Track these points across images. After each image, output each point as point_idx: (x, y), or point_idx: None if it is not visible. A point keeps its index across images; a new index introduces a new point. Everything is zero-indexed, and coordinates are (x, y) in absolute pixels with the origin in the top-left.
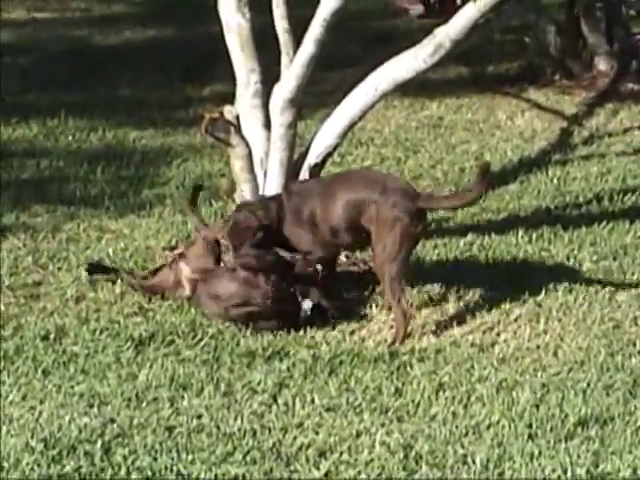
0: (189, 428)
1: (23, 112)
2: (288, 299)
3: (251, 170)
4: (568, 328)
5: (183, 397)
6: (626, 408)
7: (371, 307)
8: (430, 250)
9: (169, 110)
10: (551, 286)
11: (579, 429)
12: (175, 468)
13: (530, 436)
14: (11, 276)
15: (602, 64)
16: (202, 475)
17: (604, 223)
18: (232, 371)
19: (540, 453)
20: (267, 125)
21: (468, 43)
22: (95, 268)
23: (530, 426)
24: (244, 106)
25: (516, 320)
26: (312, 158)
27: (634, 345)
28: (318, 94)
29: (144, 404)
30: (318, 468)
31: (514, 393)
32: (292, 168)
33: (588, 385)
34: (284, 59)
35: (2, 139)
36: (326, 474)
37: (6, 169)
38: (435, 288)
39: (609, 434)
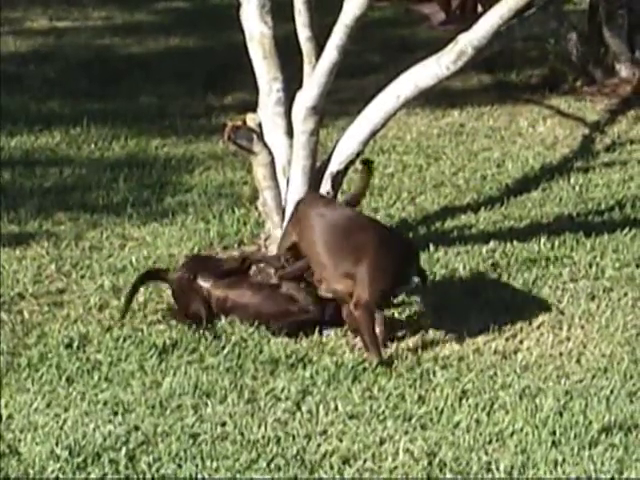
0: (213, 435)
1: (46, 120)
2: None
3: (273, 178)
4: (591, 335)
5: (207, 404)
6: None
7: (393, 314)
8: (452, 257)
9: (191, 118)
10: (574, 293)
11: (603, 436)
12: (199, 475)
13: (554, 443)
14: (34, 284)
15: (624, 71)
16: None
17: (626, 230)
18: (256, 378)
19: (564, 460)
20: (289, 133)
21: (490, 50)
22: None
23: (554, 433)
24: (266, 114)
25: (539, 327)
26: (334, 166)
27: None
28: (340, 102)
29: (168, 411)
30: (342, 475)
31: (537, 400)
32: (314, 176)
33: (611, 392)
34: (306, 67)
35: (25, 147)
36: None
37: (29, 177)
38: (457, 295)
39: (633, 441)
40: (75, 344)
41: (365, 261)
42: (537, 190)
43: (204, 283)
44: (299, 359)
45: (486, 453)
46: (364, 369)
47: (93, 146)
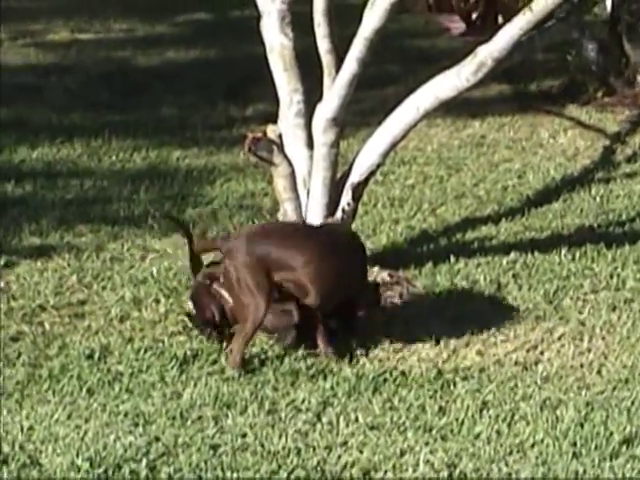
0: (233, 447)
1: (67, 132)
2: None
3: (294, 189)
4: (612, 346)
5: (227, 416)
6: None
7: (415, 326)
8: (473, 268)
9: (212, 130)
10: (595, 304)
11: (624, 447)
12: None
13: (575, 455)
14: (56, 295)
15: None
16: None
17: None
18: (276, 389)
19: (585, 472)
20: (310, 144)
21: (510, 61)
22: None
23: (574, 444)
24: (287, 125)
25: (560, 338)
26: (355, 177)
27: None
28: (361, 113)
29: (189, 423)
30: None
31: (558, 411)
32: (335, 187)
33: (632, 403)
34: (326, 78)
35: (47, 159)
36: None
37: (51, 189)
38: (479, 306)
39: None
40: (96, 355)
41: None
42: (558, 201)
43: (220, 289)
44: (319, 370)
45: (507, 464)
46: (385, 380)
47: (114, 158)
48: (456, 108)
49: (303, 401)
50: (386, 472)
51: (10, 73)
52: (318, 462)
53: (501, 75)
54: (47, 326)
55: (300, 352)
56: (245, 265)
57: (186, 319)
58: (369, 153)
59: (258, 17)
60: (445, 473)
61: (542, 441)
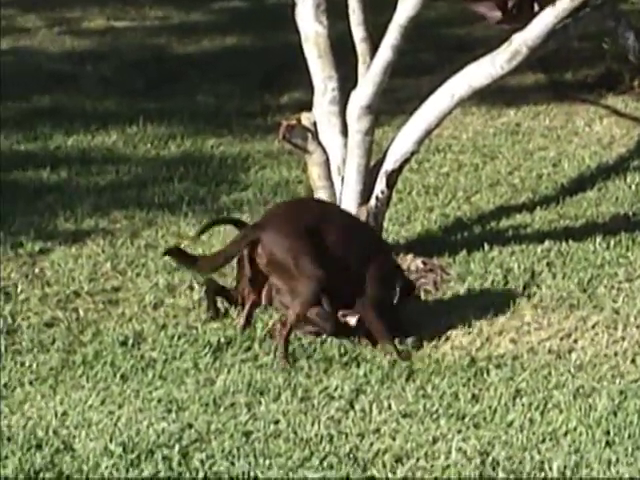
0: (266, 433)
1: (102, 119)
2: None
3: (328, 177)
4: None
5: (260, 402)
6: None
7: (449, 313)
8: (507, 256)
9: (247, 117)
10: (629, 293)
11: None
12: (252, 473)
13: (608, 443)
14: (90, 282)
15: None
16: None
17: None
18: (309, 377)
19: (618, 460)
20: (344, 132)
21: (545, 49)
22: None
23: (608, 433)
24: (321, 113)
25: (593, 327)
26: (389, 165)
27: None
28: (395, 101)
29: (222, 409)
30: (395, 474)
31: (591, 400)
32: (369, 175)
33: None
34: (361, 66)
35: (82, 146)
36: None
37: (86, 176)
38: (513, 294)
39: None
40: (130, 342)
41: None
42: (593, 189)
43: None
44: (353, 358)
45: (539, 452)
46: (418, 368)
47: (149, 145)
48: (491, 96)
49: (336, 388)
50: (418, 459)
51: (46, 61)
52: (350, 449)
53: (537, 64)
54: (81, 312)
55: (333, 340)
56: (297, 242)
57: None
58: (403, 141)
59: (293, 5)
60: (477, 461)
61: (575, 429)
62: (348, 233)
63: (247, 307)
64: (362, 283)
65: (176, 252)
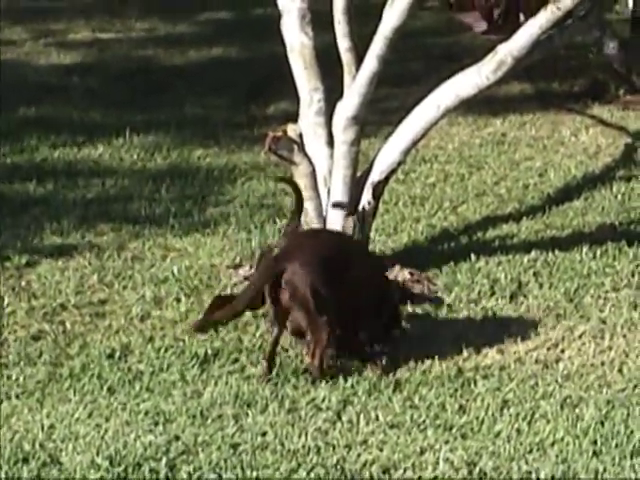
0: (254, 445)
1: (89, 131)
2: None
3: (314, 188)
4: (633, 344)
5: (248, 414)
6: None
7: (436, 324)
8: (494, 266)
9: (233, 129)
10: (616, 302)
11: None
12: None
13: (595, 453)
14: (77, 294)
15: None
16: None
17: None
18: (296, 388)
19: (605, 470)
20: (330, 143)
21: (531, 59)
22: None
23: (595, 443)
24: (307, 124)
25: (580, 337)
26: (376, 175)
27: None
28: (382, 111)
29: (209, 421)
30: None
31: (579, 410)
32: (355, 186)
33: None
34: (346, 77)
35: (68, 158)
36: None
37: (72, 188)
38: (499, 304)
39: None
40: (117, 354)
41: None
42: (579, 199)
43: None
44: (340, 369)
45: (527, 463)
46: (405, 379)
47: (135, 157)
48: (477, 106)
49: (323, 400)
50: (406, 470)
51: (32, 73)
52: (338, 460)
53: (523, 74)
54: (68, 325)
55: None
56: (319, 277)
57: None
58: (390, 151)
59: (279, 16)
60: (465, 471)
61: (562, 439)
62: (362, 269)
63: (270, 343)
64: (368, 317)
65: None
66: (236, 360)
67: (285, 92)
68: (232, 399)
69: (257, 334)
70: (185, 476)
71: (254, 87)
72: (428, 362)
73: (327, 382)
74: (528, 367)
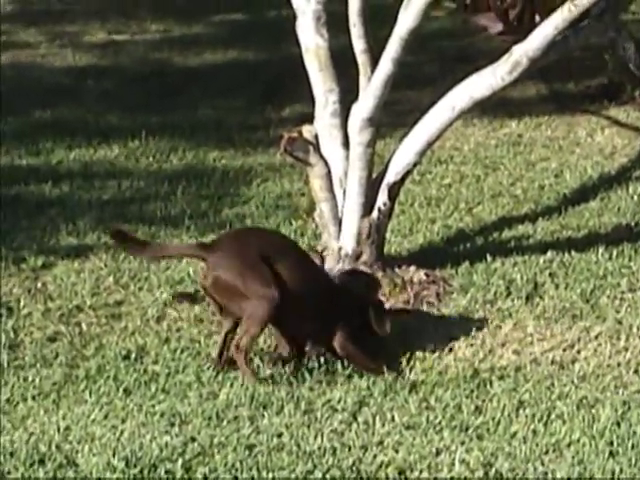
0: (269, 446)
1: (104, 133)
2: None
3: (330, 189)
4: None
5: (263, 416)
6: None
7: (452, 325)
8: (510, 267)
9: (249, 130)
10: (632, 303)
11: None
12: None
13: (611, 454)
14: (93, 296)
15: None
16: None
17: None
18: (312, 390)
19: (621, 471)
20: (346, 144)
21: (546, 60)
22: None
23: (611, 444)
24: (323, 126)
25: (596, 337)
26: (391, 177)
27: None
28: (397, 113)
29: (224, 423)
30: None
31: (595, 411)
32: (371, 187)
33: None
34: (362, 79)
35: (84, 160)
36: None
37: (88, 190)
38: (515, 305)
39: None
40: (133, 356)
41: None
42: (595, 200)
43: None
44: (356, 370)
45: (543, 464)
46: (421, 380)
47: (151, 159)
48: (493, 107)
49: (339, 401)
50: (422, 471)
51: (47, 75)
52: (354, 462)
53: (538, 75)
54: (84, 327)
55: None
56: (247, 261)
57: None
58: (405, 152)
59: (294, 17)
60: (481, 472)
61: (578, 440)
62: (298, 263)
63: (221, 337)
64: (321, 316)
65: (122, 235)
66: (251, 361)
67: (300, 94)
68: (248, 400)
69: (272, 336)
70: (201, 477)
71: (269, 89)
72: (444, 363)
73: (343, 383)
74: (544, 368)
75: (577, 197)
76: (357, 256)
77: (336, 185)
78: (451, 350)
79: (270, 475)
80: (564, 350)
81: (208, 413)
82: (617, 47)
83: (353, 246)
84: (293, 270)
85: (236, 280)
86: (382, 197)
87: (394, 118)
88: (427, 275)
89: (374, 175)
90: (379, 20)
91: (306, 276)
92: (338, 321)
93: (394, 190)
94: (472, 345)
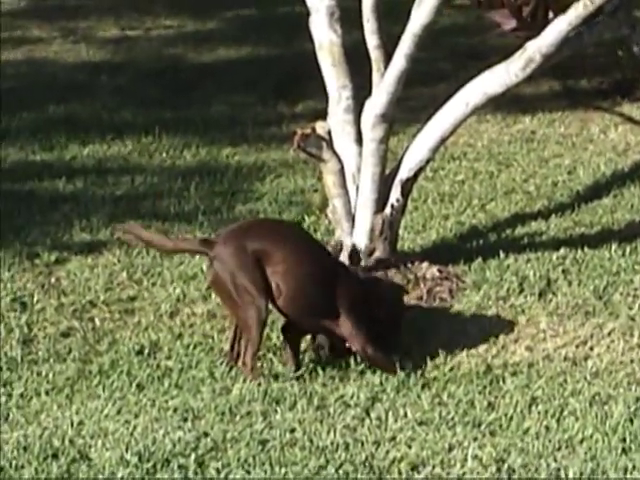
0: (282, 442)
1: (118, 129)
2: None
3: (343, 185)
4: None
5: (276, 411)
6: None
7: (465, 321)
8: (523, 264)
9: (262, 126)
10: None
11: None
12: None
13: (624, 450)
14: (106, 291)
15: None
16: None
17: None
18: (325, 385)
19: (634, 467)
20: (359, 140)
21: (559, 57)
22: None
23: (624, 440)
24: (336, 122)
25: (609, 334)
26: (404, 173)
27: None
28: (410, 109)
29: (237, 418)
30: None
31: (607, 407)
32: (384, 183)
33: None
34: (375, 75)
35: (98, 156)
36: None
37: (101, 186)
38: (528, 302)
39: None
40: (146, 351)
41: None
42: (608, 197)
43: None
44: (368, 365)
45: (555, 460)
46: (434, 377)
47: (165, 155)
48: (506, 104)
49: (352, 396)
50: (434, 467)
51: (61, 70)
52: (366, 457)
53: (551, 71)
54: (97, 322)
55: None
56: (240, 264)
57: None
58: (418, 149)
59: (307, 13)
60: (493, 468)
61: (591, 437)
62: (306, 252)
63: (232, 330)
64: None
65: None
66: (264, 357)
67: (314, 90)
68: (261, 396)
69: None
70: (214, 472)
71: (283, 85)
72: (457, 359)
73: (355, 379)
74: (557, 364)
75: (590, 194)
76: (370, 252)
77: (349, 181)
78: (464, 346)
79: (283, 470)
80: (577, 347)
81: (221, 408)
82: (631, 43)
83: (366, 242)
84: (298, 258)
85: (229, 283)
86: (395, 193)
87: (407, 114)
88: (440, 271)
89: (387, 171)
90: (393, 16)
91: (317, 264)
92: (356, 317)
93: (407, 186)
94: (485, 341)
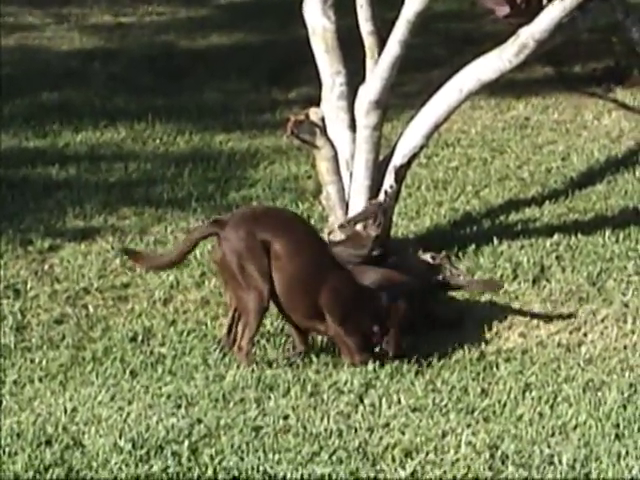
0: (275, 428)
1: (111, 116)
2: None
3: (337, 172)
4: None
5: (270, 398)
6: None
7: (458, 308)
8: (516, 250)
9: (256, 113)
10: (639, 286)
11: None
12: (262, 468)
13: (617, 436)
14: (99, 278)
15: None
16: (288, 475)
17: None
18: (318, 372)
19: (627, 453)
20: (353, 127)
21: (553, 43)
22: None
23: (617, 426)
24: (330, 108)
25: (603, 320)
26: (398, 159)
27: None
28: (404, 95)
29: (231, 405)
30: (404, 468)
31: (601, 393)
32: (377, 170)
33: None
34: (369, 61)
35: (91, 143)
36: (412, 474)
37: (95, 172)
38: (522, 288)
39: None
40: (139, 338)
41: None
42: (602, 183)
43: None
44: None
45: (549, 446)
46: (428, 363)
47: (158, 141)
48: (500, 90)
49: (346, 383)
50: (428, 453)
51: (54, 57)
52: (360, 444)
53: (545, 57)
54: (91, 309)
55: None
56: (248, 249)
57: None
58: (412, 135)
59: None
60: (487, 454)
61: (584, 423)
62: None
63: (229, 314)
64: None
65: (133, 253)
66: (257, 343)
67: (307, 76)
68: (254, 382)
69: (279, 318)
70: (207, 459)
71: (276, 71)
72: (450, 346)
73: (349, 365)
74: (550, 350)
75: (584, 180)
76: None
77: (343, 168)
78: (457, 333)
79: (276, 457)
80: (570, 333)
81: (214, 395)
82: (624, 29)
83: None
84: (300, 256)
85: (235, 265)
86: (389, 180)
87: (401, 100)
88: (433, 258)
89: (381, 158)
90: (386, 2)
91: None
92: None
93: (401, 173)
94: (478, 328)
